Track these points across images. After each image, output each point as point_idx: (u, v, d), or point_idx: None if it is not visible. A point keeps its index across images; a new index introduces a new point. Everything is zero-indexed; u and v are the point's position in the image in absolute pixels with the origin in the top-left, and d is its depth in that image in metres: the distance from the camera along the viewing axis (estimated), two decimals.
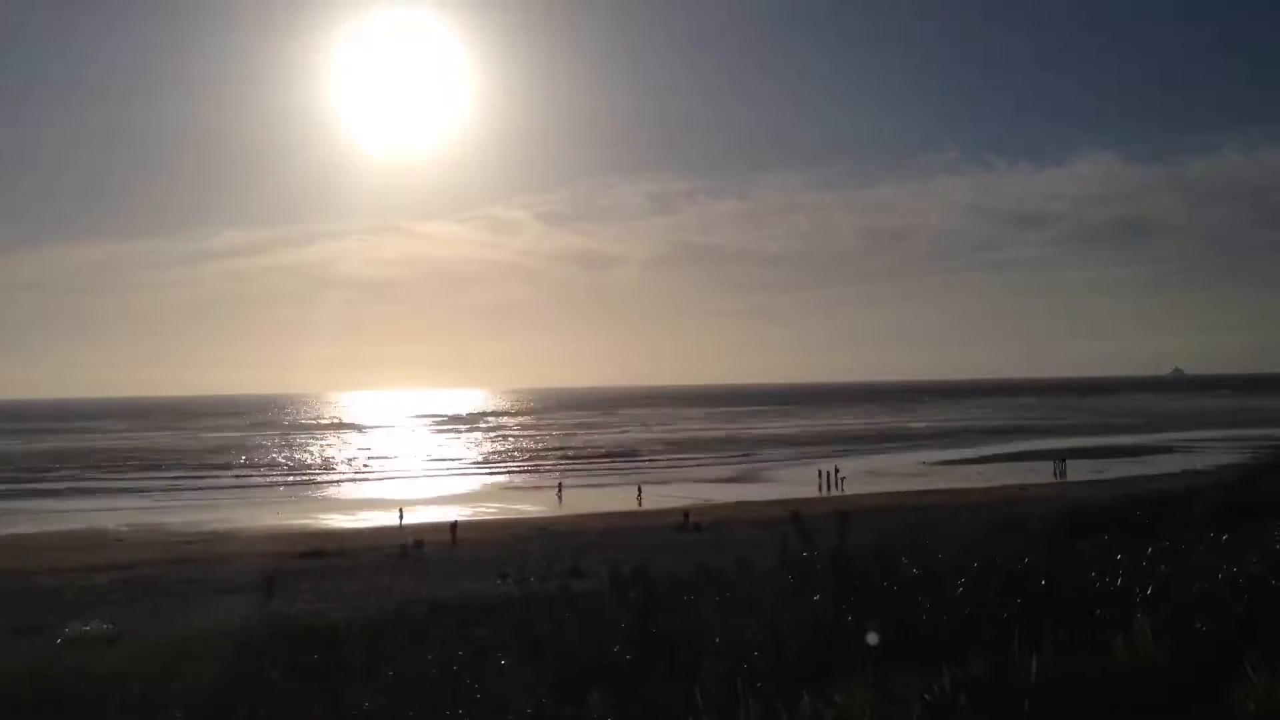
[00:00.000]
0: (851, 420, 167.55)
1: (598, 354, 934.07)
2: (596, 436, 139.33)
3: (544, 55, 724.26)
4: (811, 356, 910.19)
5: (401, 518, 53.77)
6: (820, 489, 65.13)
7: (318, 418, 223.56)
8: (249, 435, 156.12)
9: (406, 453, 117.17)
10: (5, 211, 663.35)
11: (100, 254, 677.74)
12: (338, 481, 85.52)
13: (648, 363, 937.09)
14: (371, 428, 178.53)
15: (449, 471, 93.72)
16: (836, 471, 69.77)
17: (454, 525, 46.39)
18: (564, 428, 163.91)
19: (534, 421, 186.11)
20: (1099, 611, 7.03)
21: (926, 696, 5.31)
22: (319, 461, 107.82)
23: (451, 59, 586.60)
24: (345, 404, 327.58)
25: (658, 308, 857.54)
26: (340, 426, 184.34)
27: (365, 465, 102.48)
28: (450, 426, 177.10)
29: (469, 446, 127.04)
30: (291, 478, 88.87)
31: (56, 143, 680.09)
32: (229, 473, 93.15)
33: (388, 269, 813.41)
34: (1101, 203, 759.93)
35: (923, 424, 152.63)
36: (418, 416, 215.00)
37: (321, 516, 60.45)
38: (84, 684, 13.58)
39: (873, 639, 7.37)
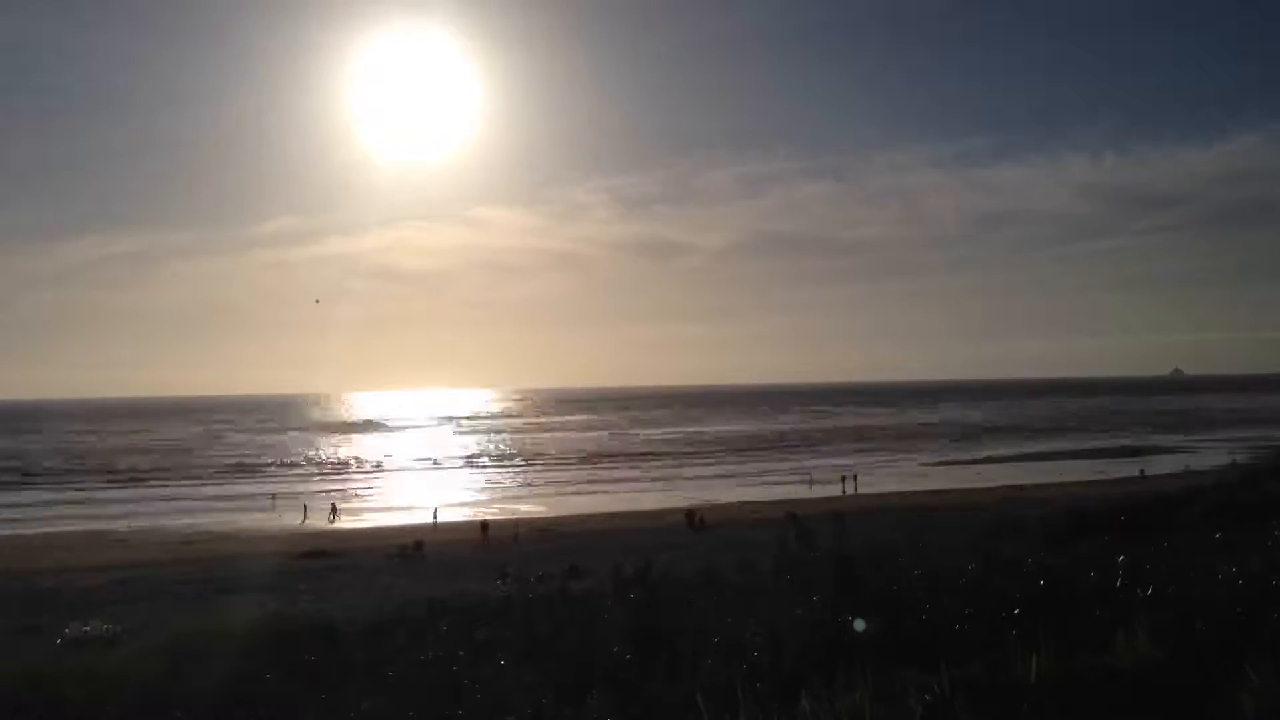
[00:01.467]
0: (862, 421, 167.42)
1: (643, 351, 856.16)
2: (601, 438, 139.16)
3: (644, 29, 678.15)
4: (880, 353, 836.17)
5: (435, 517, 53.91)
6: (843, 490, 64.36)
7: (330, 418, 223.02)
8: (257, 436, 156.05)
9: (410, 454, 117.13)
10: (40, 204, 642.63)
11: (139, 244, 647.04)
12: (339, 482, 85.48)
13: (696, 361, 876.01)
14: (380, 428, 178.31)
15: (451, 472, 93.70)
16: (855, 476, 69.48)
17: (484, 524, 46.95)
18: (569, 429, 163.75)
19: (544, 423, 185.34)
20: (1099, 611, 7.03)
21: (926, 697, 5.31)
22: (322, 462, 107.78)
23: (535, 41, 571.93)
24: (361, 404, 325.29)
25: (719, 301, 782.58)
26: (349, 427, 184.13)
27: (366, 466, 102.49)
28: (459, 428, 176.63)
29: (473, 448, 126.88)
30: (294, 478, 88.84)
31: (107, 146, 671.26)
32: (232, 472, 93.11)
33: (435, 259, 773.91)
34: (1235, 184, 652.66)
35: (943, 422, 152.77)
36: (429, 417, 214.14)
37: (321, 517, 60.39)
38: (84, 685, 13.57)
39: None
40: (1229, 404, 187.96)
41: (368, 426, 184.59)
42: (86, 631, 23.75)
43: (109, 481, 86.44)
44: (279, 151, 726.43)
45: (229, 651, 14.65)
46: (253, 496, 72.67)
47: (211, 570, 36.48)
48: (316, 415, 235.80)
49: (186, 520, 58.94)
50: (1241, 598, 6.69)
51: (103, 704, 12.36)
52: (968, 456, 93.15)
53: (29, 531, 55.15)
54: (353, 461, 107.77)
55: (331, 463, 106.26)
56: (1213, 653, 5.63)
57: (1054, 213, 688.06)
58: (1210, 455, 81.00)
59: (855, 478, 67.83)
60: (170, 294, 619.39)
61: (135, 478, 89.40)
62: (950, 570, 9.88)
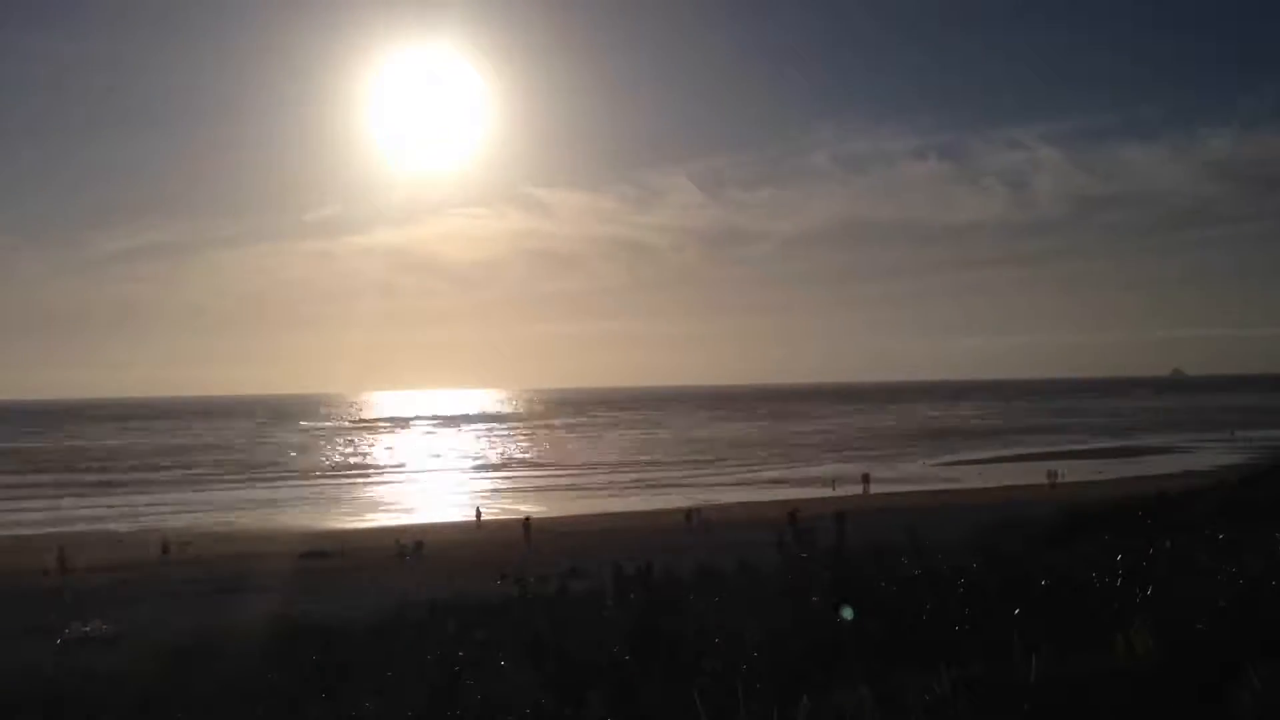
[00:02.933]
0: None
1: (689, 348, 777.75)
2: (616, 439, 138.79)
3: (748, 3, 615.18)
4: (949, 349, 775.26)
5: (479, 516, 53.96)
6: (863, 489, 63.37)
7: (342, 419, 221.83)
8: (265, 436, 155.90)
9: (416, 454, 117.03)
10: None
11: (176, 234, 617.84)
12: (339, 482, 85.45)
13: (752, 357, 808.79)
14: (390, 429, 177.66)
15: (456, 473, 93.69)
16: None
17: (526, 520, 46.75)
18: (578, 430, 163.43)
19: (558, 425, 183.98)
20: (1099, 612, 7.02)
21: (926, 697, 5.31)
22: (324, 462, 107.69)
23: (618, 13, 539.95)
24: (378, 404, 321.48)
25: (784, 295, 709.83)
26: (360, 428, 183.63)
27: (369, 466, 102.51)
28: (470, 428, 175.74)
29: (481, 449, 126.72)
30: (296, 478, 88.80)
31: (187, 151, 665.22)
32: (234, 473, 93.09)
33: (487, 248, 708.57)
34: None
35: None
36: (440, 417, 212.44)
37: (322, 517, 60.41)
38: (84, 685, 13.58)
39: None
40: None
41: (377, 427, 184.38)
42: (87, 632, 23.75)
43: (111, 482, 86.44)
44: (329, 143, 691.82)
45: (229, 652, 14.66)
46: (254, 498, 72.71)
47: (212, 571, 36.49)
48: (331, 416, 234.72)
49: (187, 521, 58.95)
50: (1241, 598, 6.68)
51: (103, 704, 12.36)
52: (976, 456, 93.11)
53: (30, 532, 55.16)
54: (348, 461, 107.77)
55: (333, 464, 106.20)
56: (1213, 653, 5.61)
57: (1175, 195, 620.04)
58: (1211, 456, 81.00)
59: (867, 478, 67.25)
60: (205, 287, 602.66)
61: (137, 479, 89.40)
62: (950, 570, 9.87)
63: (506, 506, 62.83)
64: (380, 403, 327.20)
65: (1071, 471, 70.81)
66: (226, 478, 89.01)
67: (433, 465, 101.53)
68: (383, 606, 22.76)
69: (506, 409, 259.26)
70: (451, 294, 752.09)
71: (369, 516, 60.28)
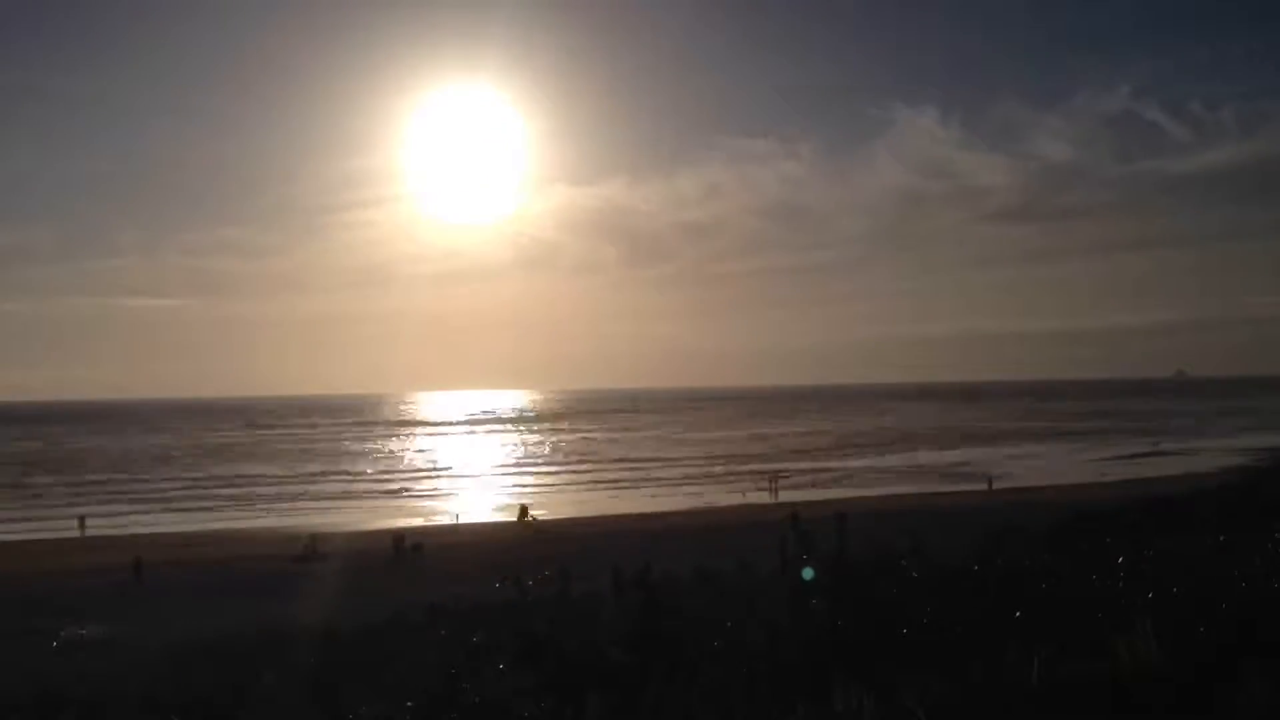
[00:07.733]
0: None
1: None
2: (648, 439, 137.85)
3: None
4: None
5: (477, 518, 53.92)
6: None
7: (370, 420, 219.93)
8: (277, 437, 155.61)
9: (425, 456, 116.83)
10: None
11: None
12: (344, 483, 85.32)
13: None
14: (413, 430, 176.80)
15: (462, 474, 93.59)
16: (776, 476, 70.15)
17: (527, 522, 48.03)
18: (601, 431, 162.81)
19: (572, 424, 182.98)
20: (1100, 614, 6.99)
21: (927, 699, 5.27)
22: (330, 464, 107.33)
23: None
24: (416, 405, 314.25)
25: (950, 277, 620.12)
26: (379, 428, 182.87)
27: (376, 467, 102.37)
28: (490, 429, 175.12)
29: (491, 449, 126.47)
30: (299, 479, 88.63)
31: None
32: (239, 474, 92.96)
33: (691, 211, 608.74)
34: None
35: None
36: (463, 419, 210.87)
37: (321, 518, 60.31)
38: (81, 687, 13.54)
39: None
40: None
41: (393, 428, 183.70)
42: (83, 635, 23.70)
43: (109, 484, 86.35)
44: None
45: (225, 654, 14.62)
46: (255, 498, 72.71)
47: (209, 573, 36.43)
48: (364, 417, 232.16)
49: (187, 522, 58.90)
50: (1243, 600, 6.65)
51: (99, 706, 12.33)
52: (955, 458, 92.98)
53: (26, 536, 55.09)
54: (358, 462, 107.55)
55: (336, 464, 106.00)
56: (1214, 655, 5.58)
57: None
58: (1212, 458, 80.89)
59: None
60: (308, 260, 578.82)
61: (136, 480, 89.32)
62: (951, 572, 9.84)
63: (506, 508, 62.80)
64: (417, 405, 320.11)
65: (1075, 473, 70.64)
66: (222, 478, 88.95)
67: (438, 467, 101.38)
68: (380, 610, 22.71)
69: (517, 410, 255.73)
70: (637, 264, 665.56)
71: (368, 518, 60.17)
